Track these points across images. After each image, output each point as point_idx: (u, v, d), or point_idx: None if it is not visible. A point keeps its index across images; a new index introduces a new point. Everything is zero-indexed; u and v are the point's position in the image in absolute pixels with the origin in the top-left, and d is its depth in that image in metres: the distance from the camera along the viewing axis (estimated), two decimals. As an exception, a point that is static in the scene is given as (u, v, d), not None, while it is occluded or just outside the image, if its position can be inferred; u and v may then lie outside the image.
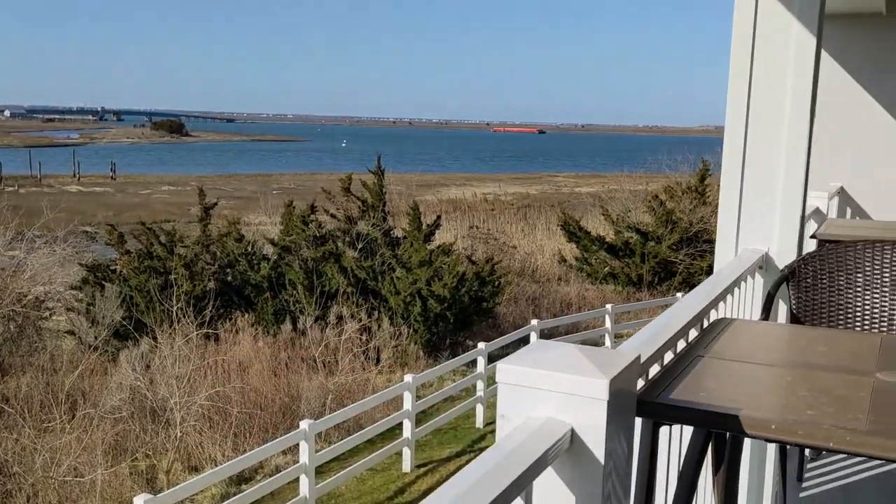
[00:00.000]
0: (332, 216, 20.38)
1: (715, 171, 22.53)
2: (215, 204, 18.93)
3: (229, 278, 17.87)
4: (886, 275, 2.44)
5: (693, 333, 2.01)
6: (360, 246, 19.72)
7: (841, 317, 2.48)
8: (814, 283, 2.49)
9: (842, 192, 5.99)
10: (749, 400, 1.50)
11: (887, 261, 2.46)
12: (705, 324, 2.11)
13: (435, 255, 17.99)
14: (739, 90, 2.75)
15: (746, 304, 2.69)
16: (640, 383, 1.60)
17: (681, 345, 1.91)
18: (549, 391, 1.17)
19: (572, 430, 1.16)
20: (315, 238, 19.57)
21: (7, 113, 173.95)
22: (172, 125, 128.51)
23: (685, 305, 1.98)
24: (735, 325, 2.07)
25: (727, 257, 2.79)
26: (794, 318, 2.49)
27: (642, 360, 1.54)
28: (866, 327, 2.45)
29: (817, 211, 4.41)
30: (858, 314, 2.46)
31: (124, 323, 16.36)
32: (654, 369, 1.70)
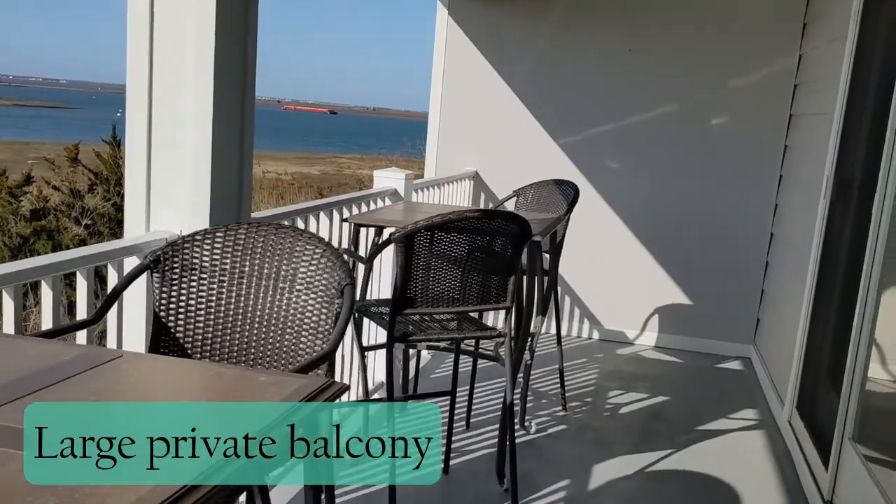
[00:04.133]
0: (55, 188, 18.64)
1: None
2: None
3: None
4: (256, 265, 2.07)
5: None
6: (85, 221, 18.14)
7: (208, 316, 2.08)
8: (181, 276, 2.07)
9: (476, 177, 5.86)
10: None
11: (270, 242, 2.09)
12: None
13: (166, 233, 16.85)
14: (139, 77, 2.30)
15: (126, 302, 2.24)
16: None
17: None
18: None
19: None
20: (34, 212, 17.77)
21: None
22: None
23: None
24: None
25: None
26: (157, 320, 2.06)
27: None
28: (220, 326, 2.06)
29: (395, 193, 4.12)
30: (215, 309, 2.07)
31: None
32: None
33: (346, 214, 3.60)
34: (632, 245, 5.68)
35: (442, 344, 3.52)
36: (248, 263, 2.06)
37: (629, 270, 5.70)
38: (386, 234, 3.53)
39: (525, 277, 3.38)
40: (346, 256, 3.29)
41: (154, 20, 2.26)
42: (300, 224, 3.22)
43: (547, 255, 4.22)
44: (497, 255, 2.91)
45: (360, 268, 3.59)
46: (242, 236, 2.07)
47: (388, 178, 4.11)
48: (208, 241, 2.06)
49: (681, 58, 5.45)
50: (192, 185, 2.30)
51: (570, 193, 4.28)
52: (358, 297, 3.52)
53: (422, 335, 2.93)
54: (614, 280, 5.74)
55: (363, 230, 3.57)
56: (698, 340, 5.65)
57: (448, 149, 5.89)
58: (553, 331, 5.41)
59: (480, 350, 3.82)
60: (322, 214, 3.40)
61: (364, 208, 3.84)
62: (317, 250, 2.01)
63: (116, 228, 18.04)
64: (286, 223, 2.92)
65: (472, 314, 3.28)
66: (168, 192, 2.33)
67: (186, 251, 2.06)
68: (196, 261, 2.06)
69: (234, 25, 2.32)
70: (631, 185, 5.62)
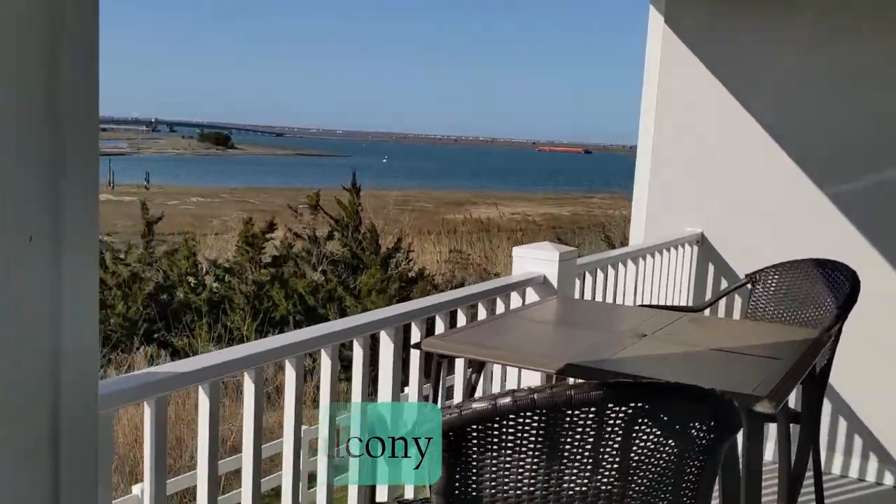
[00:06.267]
0: (297, 235, 19.00)
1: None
2: (160, 219, 17.58)
3: (171, 300, 16.47)
4: None
5: None
6: (320, 268, 18.25)
7: None
8: None
9: (702, 243, 4.20)
10: None
11: None
12: None
13: (392, 280, 16.33)
14: None
15: None
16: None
17: None
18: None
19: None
20: (276, 258, 18.19)
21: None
22: (218, 137, 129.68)
23: None
24: None
25: None
26: None
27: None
28: None
29: (543, 282, 2.64)
30: None
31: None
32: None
33: (440, 328, 2.20)
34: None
35: None
36: None
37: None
38: (495, 379, 2.09)
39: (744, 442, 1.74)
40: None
41: None
42: (325, 361, 1.87)
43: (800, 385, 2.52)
44: (656, 466, 1.35)
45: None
46: None
47: (531, 260, 2.65)
48: None
49: None
50: None
51: (843, 286, 2.54)
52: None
53: None
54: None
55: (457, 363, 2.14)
56: None
57: (662, 202, 4.28)
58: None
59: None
60: (384, 335, 2.02)
61: (482, 313, 2.40)
62: None
63: (349, 275, 18.04)
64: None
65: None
66: None
67: None
68: None
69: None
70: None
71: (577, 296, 2.90)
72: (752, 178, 4.06)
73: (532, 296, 2.63)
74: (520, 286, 2.59)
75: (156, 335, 15.79)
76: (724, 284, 4.13)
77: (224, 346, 15.56)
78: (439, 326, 2.20)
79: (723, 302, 3.75)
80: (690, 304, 4.06)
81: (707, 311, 3.44)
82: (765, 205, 4.03)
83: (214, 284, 17.03)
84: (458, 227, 29.69)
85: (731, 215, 4.13)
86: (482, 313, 2.43)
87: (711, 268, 4.17)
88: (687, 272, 4.09)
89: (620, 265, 3.35)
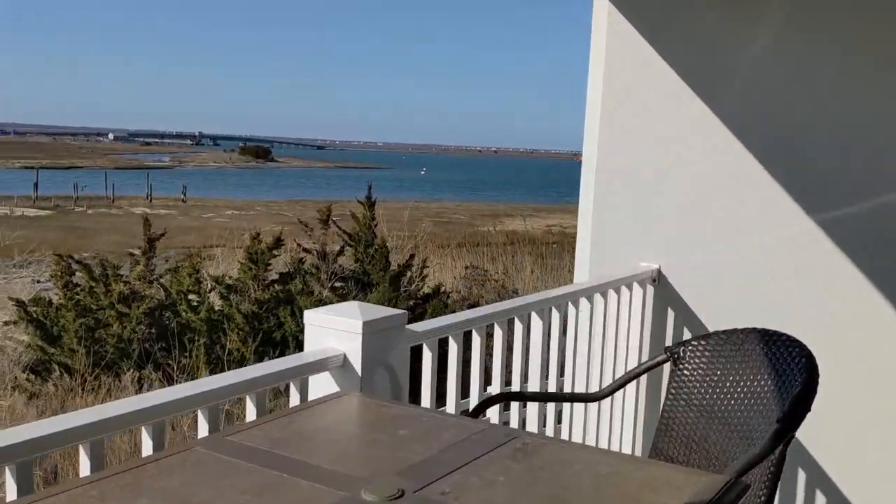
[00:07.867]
0: (306, 251, 18.28)
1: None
2: (162, 235, 16.96)
3: (169, 320, 15.84)
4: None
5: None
6: (329, 284, 17.52)
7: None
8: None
9: (659, 281, 3.28)
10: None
11: None
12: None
13: (402, 299, 15.50)
14: None
15: None
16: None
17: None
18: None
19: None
20: (282, 275, 17.51)
21: (110, 136, 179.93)
22: (259, 150, 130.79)
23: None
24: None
25: None
26: None
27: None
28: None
29: (345, 364, 1.76)
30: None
31: (38, 367, 14.57)
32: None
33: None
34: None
35: None
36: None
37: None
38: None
39: None
40: None
41: None
42: None
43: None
44: None
45: None
46: None
47: (327, 332, 1.77)
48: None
49: None
50: None
51: (793, 377, 1.62)
52: None
53: None
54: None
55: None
56: None
57: (610, 230, 3.38)
58: None
59: None
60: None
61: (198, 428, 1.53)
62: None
63: (359, 292, 17.26)
64: None
65: None
66: None
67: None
68: None
69: None
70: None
71: (427, 379, 2.01)
72: (722, 201, 3.14)
73: (328, 387, 1.76)
74: (299, 373, 1.71)
75: (155, 357, 15.19)
76: (687, 335, 3.21)
77: (221, 369, 14.88)
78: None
79: (639, 385, 2.83)
80: (643, 360, 3.14)
81: (610, 399, 2.54)
82: (737, 233, 3.10)
83: (218, 303, 16.37)
84: (481, 241, 28.74)
85: (696, 247, 3.21)
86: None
87: (671, 315, 3.25)
88: (638, 320, 3.17)
89: (518, 321, 2.45)
